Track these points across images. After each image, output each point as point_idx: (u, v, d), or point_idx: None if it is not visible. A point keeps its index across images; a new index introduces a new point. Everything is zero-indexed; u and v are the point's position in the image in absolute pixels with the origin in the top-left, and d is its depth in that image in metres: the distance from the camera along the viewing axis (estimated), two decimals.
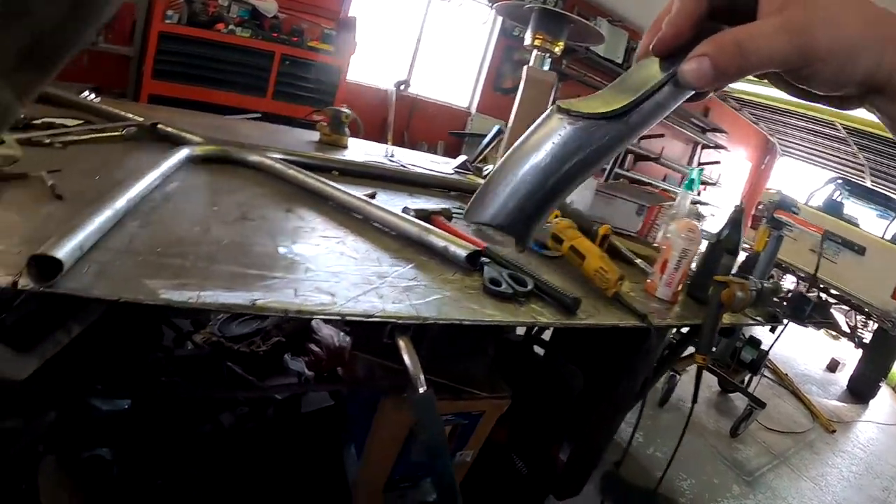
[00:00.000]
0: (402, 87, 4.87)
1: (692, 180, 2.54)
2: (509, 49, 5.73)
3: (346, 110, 2.21)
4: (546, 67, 2.32)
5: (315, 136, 2.17)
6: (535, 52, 2.21)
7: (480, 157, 2.93)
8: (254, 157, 1.42)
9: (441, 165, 2.32)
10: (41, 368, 1.05)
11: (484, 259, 1.06)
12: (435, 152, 3.25)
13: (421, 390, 0.88)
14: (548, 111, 0.36)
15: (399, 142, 3.74)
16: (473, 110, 5.65)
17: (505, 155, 0.37)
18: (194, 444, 1.60)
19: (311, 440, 1.69)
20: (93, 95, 1.85)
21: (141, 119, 1.52)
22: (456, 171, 2.32)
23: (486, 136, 4.82)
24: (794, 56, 0.31)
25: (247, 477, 1.56)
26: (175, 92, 3.08)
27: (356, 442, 1.52)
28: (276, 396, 1.73)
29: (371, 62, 4.75)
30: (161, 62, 3.16)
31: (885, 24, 0.31)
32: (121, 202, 0.91)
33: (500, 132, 4.56)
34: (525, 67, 2.25)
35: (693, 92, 0.35)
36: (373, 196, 1.42)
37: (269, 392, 1.69)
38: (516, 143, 0.37)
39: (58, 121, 1.40)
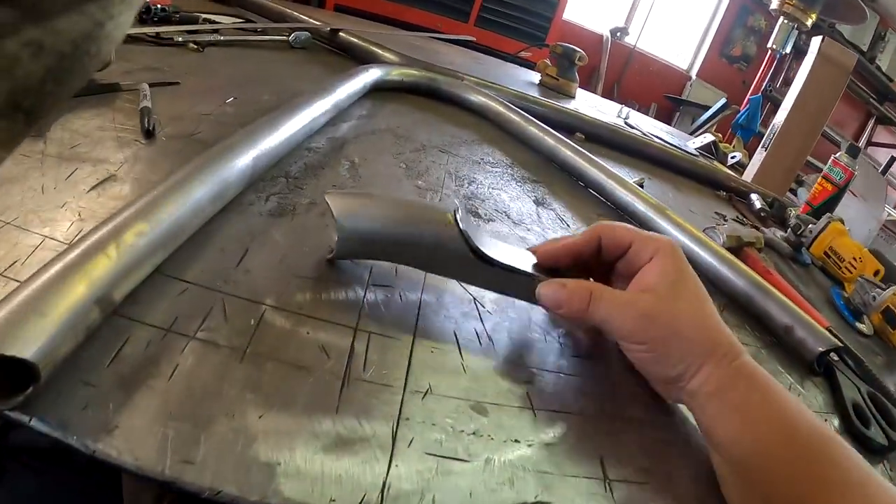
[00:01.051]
0: (617, 36, 4.10)
1: None
2: (743, 11, 4.77)
3: (579, 50, 1.63)
4: (791, 41, 2.01)
5: (532, 76, 1.62)
6: (780, 20, 1.77)
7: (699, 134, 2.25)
8: (475, 97, 0.89)
9: (675, 137, 1.72)
10: None
11: (832, 356, 0.55)
12: (646, 115, 2.55)
13: None
14: (454, 209, 0.37)
15: (608, 96, 3.06)
16: (693, 75, 4.74)
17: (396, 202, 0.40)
18: None
19: None
20: None
21: (317, 23, 1.04)
22: (700, 153, 1.70)
23: (705, 107, 3.99)
24: (627, 332, 0.35)
25: None
26: (364, 4, 2.58)
27: None
28: None
29: (586, 1, 4.01)
30: None
31: (713, 345, 0.34)
32: (244, 159, 0.41)
33: (725, 107, 3.68)
34: (816, 40, 1.57)
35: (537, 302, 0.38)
36: (641, 185, 0.87)
37: None
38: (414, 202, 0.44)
39: (204, 16, 0.96)
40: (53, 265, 0.27)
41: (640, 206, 0.68)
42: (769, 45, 2.06)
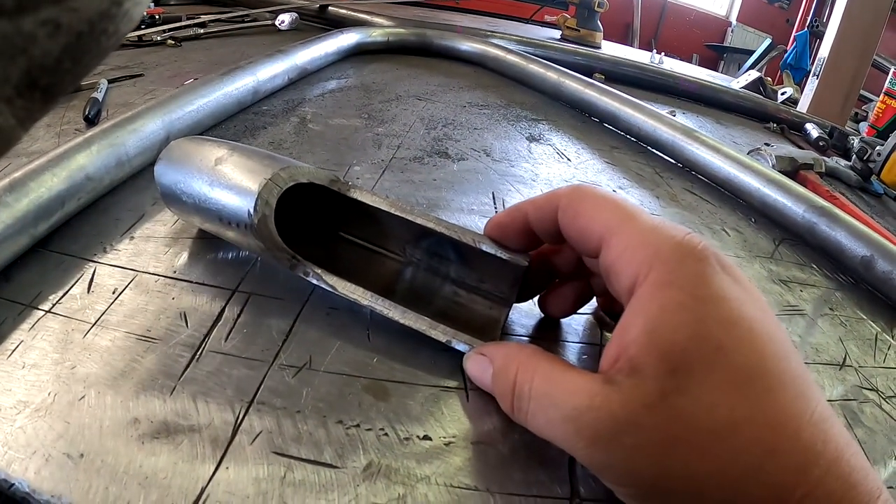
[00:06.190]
0: None
1: None
2: None
3: None
4: None
5: (553, 33, 1.51)
6: None
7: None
8: (470, 46, 0.81)
9: (716, 79, 1.54)
10: None
11: None
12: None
13: None
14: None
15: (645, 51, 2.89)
16: (733, 20, 4.47)
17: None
18: None
19: None
20: None
21: (304, 1, 0.99)
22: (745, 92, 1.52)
23: (750, 52, 3.71)
24: (582, 461, 0.18)
25: None
26: None
27: None
28: None
29: None
30: None
31: (778, 495, 0.16)
32: (153, 125, 0.37)
33: (770, 48, 3.40)
34: None
35: None
36: (672, 115, 0.77)
37: None
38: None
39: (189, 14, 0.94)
40: None
41: (665, 132, 0.58)
42: None
